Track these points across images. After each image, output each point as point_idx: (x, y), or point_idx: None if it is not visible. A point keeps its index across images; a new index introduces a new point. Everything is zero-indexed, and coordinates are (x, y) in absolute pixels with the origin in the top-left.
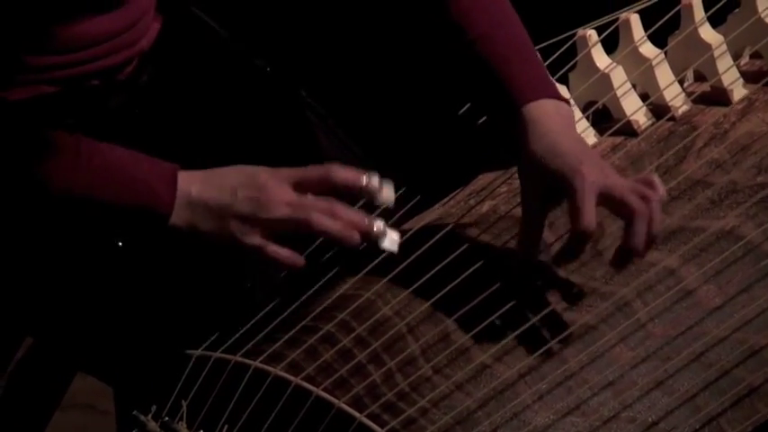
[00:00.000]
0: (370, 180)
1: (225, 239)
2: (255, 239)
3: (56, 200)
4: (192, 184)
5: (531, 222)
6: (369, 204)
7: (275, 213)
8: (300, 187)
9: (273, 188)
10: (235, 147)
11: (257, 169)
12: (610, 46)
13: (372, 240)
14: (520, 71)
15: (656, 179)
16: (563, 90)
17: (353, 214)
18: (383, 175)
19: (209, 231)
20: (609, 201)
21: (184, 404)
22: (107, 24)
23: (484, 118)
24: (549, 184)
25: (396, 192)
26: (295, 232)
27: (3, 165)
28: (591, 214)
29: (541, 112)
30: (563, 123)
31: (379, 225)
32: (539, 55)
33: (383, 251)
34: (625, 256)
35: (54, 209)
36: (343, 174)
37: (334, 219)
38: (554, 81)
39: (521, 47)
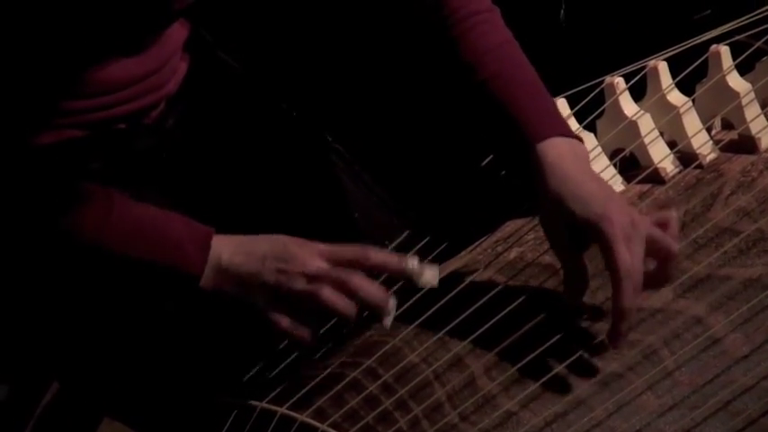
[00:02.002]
0: (408, 263)
1: (248, 306)
2: (275, 311)
3: (86, 253)
4: (224, 248)
5: (568, 266)
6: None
7: (295, 286)
8: (333, 263)
9: (300, 259)
10: (260, 191)
11: (289, 240)
12: (637, 93)
13: (384, 323)
14: (532, 110)
15: (674, 219)
16: (590, 138)
17: (371, 292)
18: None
19: (234, 296)
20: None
21: None
22: (134, 68)
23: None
24: (573, 227)
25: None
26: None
27: (34, 215)
28: (627, 259)
29: (556, 151)
30: (579, 163)
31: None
32: (549, 94)
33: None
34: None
35: (84, 262)
36: (378, 256)
37: (348, 292)
38: (569, 120)
39: (531, 86)
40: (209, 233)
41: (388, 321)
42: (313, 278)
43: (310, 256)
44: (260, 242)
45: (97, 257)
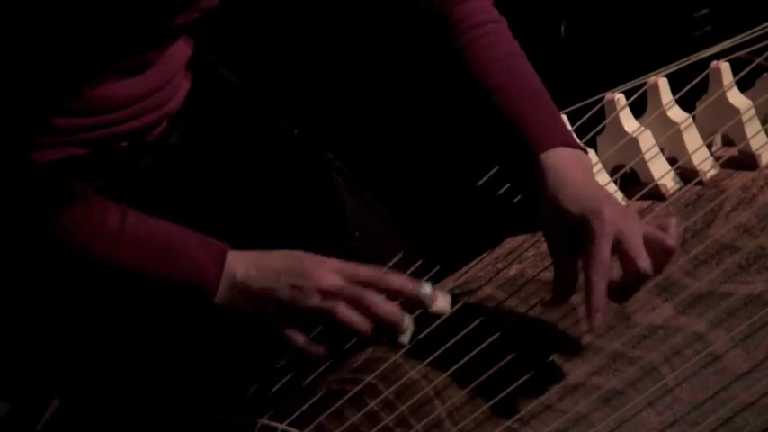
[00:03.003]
0: (422, 288)
1: (261, 320)
2: (288, 327)
3: (94, 267)
4: (239, 264)
5: (561, 268)
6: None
7: (309, 302)
8: (348, 281)
9: (315, 276)
10: (262, 208)
11: (304, 256)
12: (638, 110)
13: (399, 341)
14: (536, 120)
15: (673, 225)
16: (591, 154)
17: (386, 310)
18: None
19: (248, 311)
20: (619, 248)
21: None
22: (136, 87)
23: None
24: (570, 230)
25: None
26: (326, 321)
27: (47, 230)
28: (606, 257)
29: (559, 160)
30: (582, 171)
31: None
32: (554, 105)
33: (397, 344)
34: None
35: (92, 276)
36: (395, 280)
37: (362, 309)
38: (571, 131)
39: (536, 97)
40: (224, 249)
41: (405, 339)
42: (328, 294)
43: (325, 272)
44: (275, 257)
45: (111, 273)
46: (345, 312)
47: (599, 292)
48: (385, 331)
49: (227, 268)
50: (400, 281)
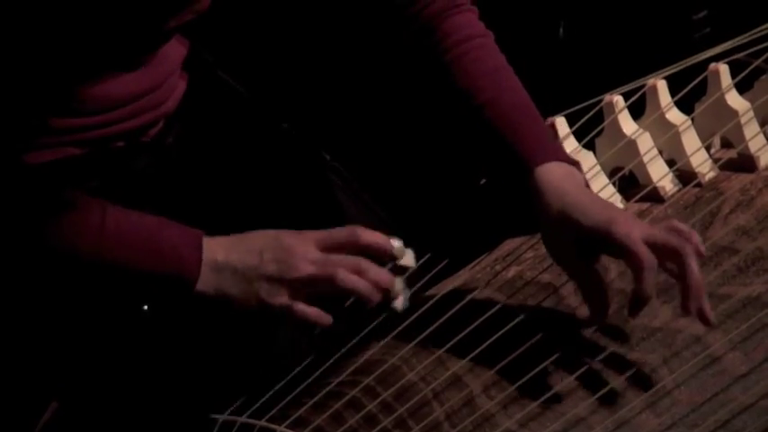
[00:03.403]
0: (394, 243)
1: (253, 302)
2: (283, 300)
3: (81, 265)
4: (218, 249)
5: (583, 280)
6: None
7: (301, 272)
8: (326, 249)
9: (299, 248)
10: (258, 209)
11: (282, 232)
12: (637, 112)
13: (390, 299)
14: (529, 135)
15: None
16: (589, 156)
17: (379, 272)
18: (408, 239)
19: (237, 295)
20: (653, 246)
21: None
22: (132, 86)
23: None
24: (579, 241)
25: (419, 257)
26: (321, 290)
27: (28, 230)
28: (646, 251)
29: (553, 175)
30: (576, 184)
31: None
32: (542, 119)
33: (391, 310)
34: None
35: (79, 273)
36: (369, 236)
37: (360, 276)
38: (561, 146)
39: (526, 111)
40: (199, 234)
41: (398, 305)
42: (321, 263)
43: (304, 243)
44: (253, 237)
45: (92, 268)
46: (348, 276)
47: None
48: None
49: (206, 254)
50: (374, 235)
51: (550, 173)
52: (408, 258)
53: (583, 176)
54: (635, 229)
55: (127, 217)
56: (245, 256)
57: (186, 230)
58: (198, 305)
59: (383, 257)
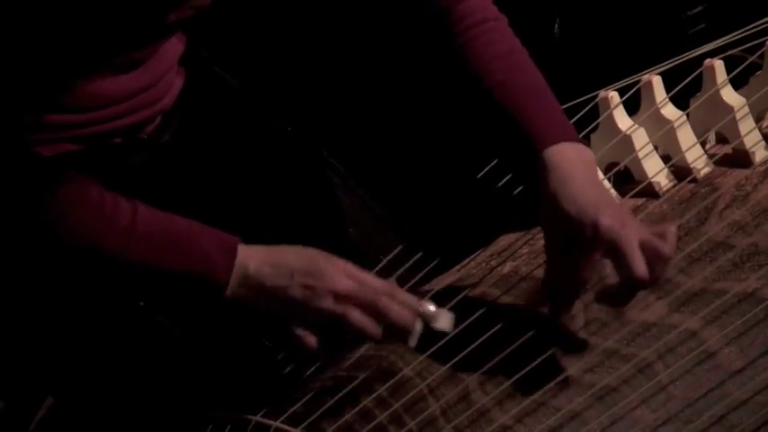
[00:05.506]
0: (425, 307)
1: (273, 318)
2: (299, 326)
3: (103, 263)
4: (251, 258)
5: (550, 268)
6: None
7: (322, 305)
8: (360, 285)
9: (328, 277)
10: (255, 206)
11: (317, 255)
12: (632, 107)
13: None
14: (539, 116)
15: (671, 233)
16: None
17: (400, 314)
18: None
19: (259, 307)
20: (614, 255)
21: None
22: (128, 83)
23: (505, 180)
24: (566, 231)
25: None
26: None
27: (54, 227)
28: (589, 268)
29: (562, 157)
30: (584, 168)
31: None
32: (557, 101)
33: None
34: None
35: (99, 272)
36: (402, 296)
37: (376, 314)
38: (572, 127)
39: (539, 92)
40: (235, 241)
41: (413, 341)
42: (341, 298)
43: (339, 274)
44: (288, 254)
45: (121, 268)
46: (358, 318)
47: (566, 297)
48: (395, 335)
49: (239, 262)
50: (407, 297)
51: (559, 154)
52: (443, 323)
53: (592, 158)
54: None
55: (158, 217)
56: (277, 273)
57: (220, 235)
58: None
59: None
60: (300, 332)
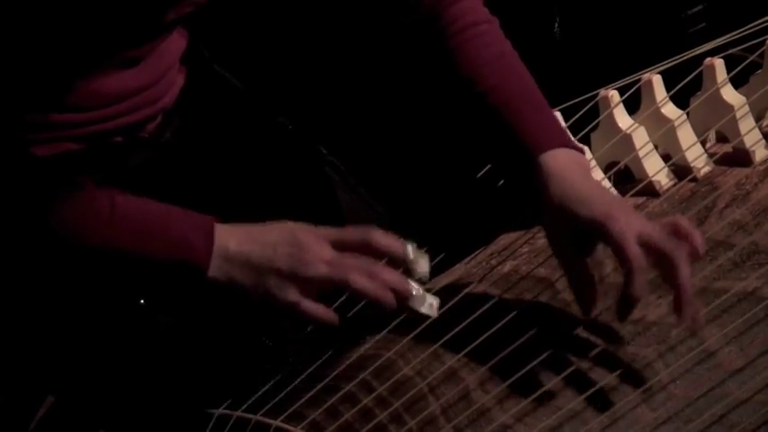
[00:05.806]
0: (408, 249)
1: (261, 294)
2: (292, 296)
3: (88, 253)
4: (231, 237)
5: (573, 272)
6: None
7: (314, 271)
8: (339, 247)
9: (313, 246)
10: (255, 204)
11: (297, 226)
12: (632, 106)
13: (409, 305)
14: (533, 121)
15: (684, 223)
16: (584, 151)
17: (393, 276)
18: (405, 235)
19: (247, 285)
20: (646, 247)
21: None
22: (129, 81)
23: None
24: (577, 232)
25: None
26: (332, 290)
27: (35, 220)
28: (638, 253)
29: (558, 161)
30: (581, 172)
31: (417, 290)
32: (548, 104)
33: (422, 316)
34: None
35: (86, 261)
36: (383, 240)
37: (373, 279)
38: (567, 131)
39: (531, 97)
40: (211, 221)
41: (425, 309)
42: (335, 264)
43: (319, 241)
44: (267, 229)
45: (106, 257)
46: (361, 281)
47: (592, 293)
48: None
49: (218, 241)
50: (388, 240)
51: (555, 159)
52: (423, 264)
53: (587, 162)
54: (631, 228)
55: (136, 204)
56: (260, 248)
57: (197, 217)
58: (194, 298)
59: (396, 261)
60: (295, 299)
